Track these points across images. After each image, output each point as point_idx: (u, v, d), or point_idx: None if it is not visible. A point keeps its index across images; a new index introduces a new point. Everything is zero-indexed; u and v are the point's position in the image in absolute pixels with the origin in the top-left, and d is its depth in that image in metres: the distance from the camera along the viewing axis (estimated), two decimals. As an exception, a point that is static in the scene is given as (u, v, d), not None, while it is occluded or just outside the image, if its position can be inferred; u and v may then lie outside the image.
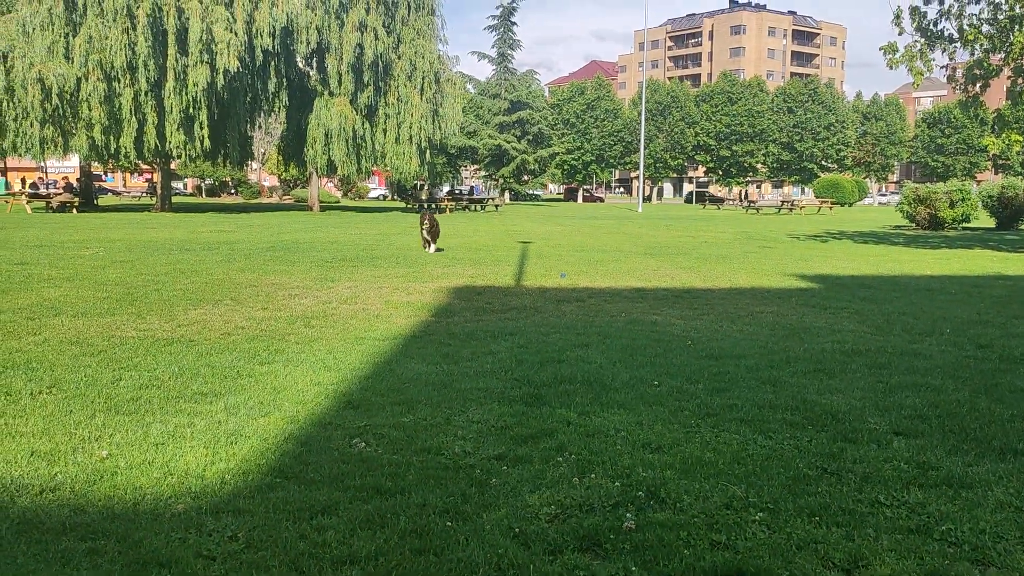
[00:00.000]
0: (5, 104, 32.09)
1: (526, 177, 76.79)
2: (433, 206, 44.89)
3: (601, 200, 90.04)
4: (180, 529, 3.47)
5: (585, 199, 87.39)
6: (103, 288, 10.85)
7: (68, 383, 5.83)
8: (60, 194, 37.57)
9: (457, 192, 62.77)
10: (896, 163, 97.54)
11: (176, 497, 3.82)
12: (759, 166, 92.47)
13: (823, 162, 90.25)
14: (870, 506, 3.82)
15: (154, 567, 3.12)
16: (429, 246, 17.30)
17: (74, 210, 35.11)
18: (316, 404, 5.43)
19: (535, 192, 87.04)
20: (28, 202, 36.06)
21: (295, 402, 5.46)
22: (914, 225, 32.02)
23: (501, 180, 73.77)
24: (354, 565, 3.17)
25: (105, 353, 6.84)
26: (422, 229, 17.40)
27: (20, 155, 35.68)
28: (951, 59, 22.70)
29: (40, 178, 48.49)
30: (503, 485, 4.03)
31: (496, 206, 51.08)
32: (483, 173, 78.15)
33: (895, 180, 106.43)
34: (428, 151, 41.74)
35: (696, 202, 54.22)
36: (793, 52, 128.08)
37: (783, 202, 54.28)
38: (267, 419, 5.06)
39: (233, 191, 75.55)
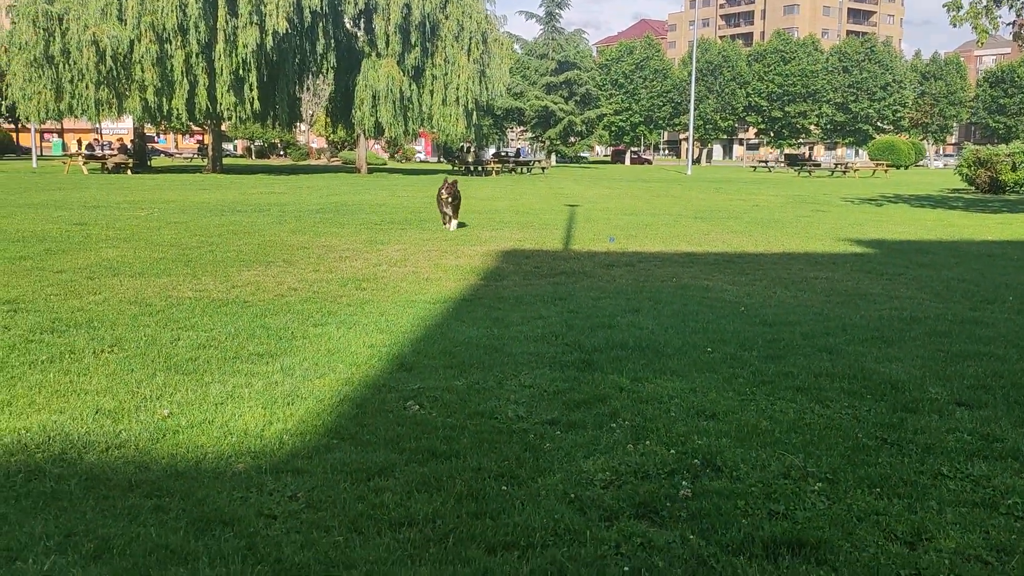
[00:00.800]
0: (61, 66, 32.66)
1: (573, 139, 76.15)
2: (479, 167, 44.74)
3: (649, 162, 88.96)
4: (241, 488, 3.53)
5: (632, 161, 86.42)
6: (159, 249, 11.05)
7: (129, 342, 5.96)
8: (115, 155, 38.27)
9: (503, 154, 62.52)
10: (955, 124, 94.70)
11: (236, 456, 3.89)
12: (812, 128, 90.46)
13: (879, 123, 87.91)
14: (932, 478, 3.74)
15: (217, 525, 3.18)
16: (450, 222, 14.10)
17: (128, 171, 35.75)
18: (370, 366, 5.48)
19: (582, 154, 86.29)
20: (84, 163, 36.78)
21: (349, 364, 5.51)
22: (974, 189, 31.12)
23: (547, 142, 73.27)
24: (412, 527, 3.20)
25: (163, 313, 6.97)
26: (442, 203, 14.06)
27: (76, 117, 36.36)
28: (1018, 15, 21.84)
29: (95, 139, 49.38)
30: (557, 450, 4.03)
31: (542, 168, 50.78)
32: (529, 135, 77.71)
33: (954, 142, 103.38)
34: (475, 113, 41.55)
35: (792, 166, 52.88)
36: (849, 9, 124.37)
37: (836, 165, 53.07)
38: (322, 381, 5.12)
39: (282, 153, 76.21)
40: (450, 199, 13.80)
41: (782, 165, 62.98)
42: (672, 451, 4.03)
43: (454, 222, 14.12)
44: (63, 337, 6.05)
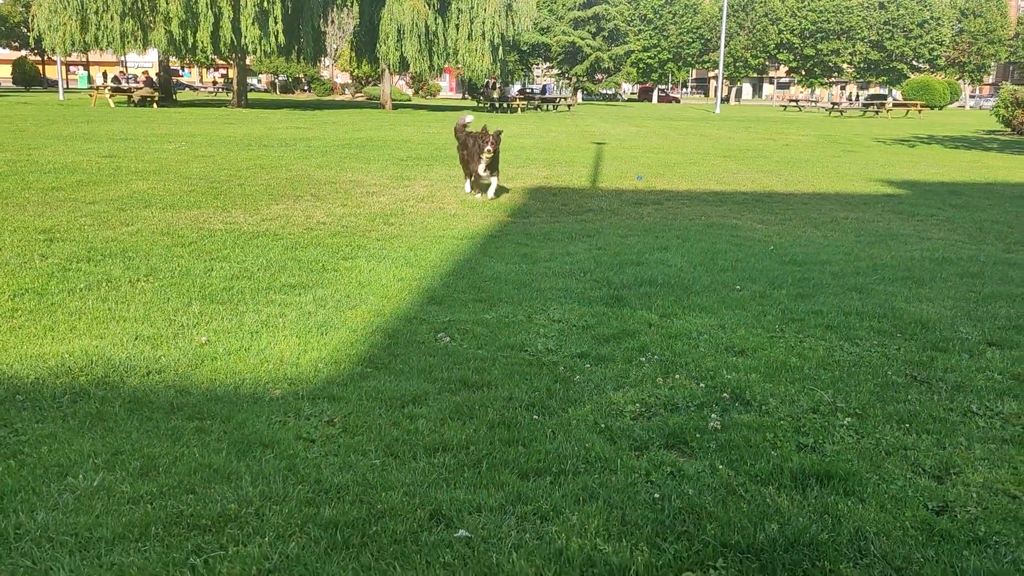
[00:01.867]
0: (86, -3, 32.43)
1: (599, 76, 74.85)
2: (504, 104, 44.25)
3: (677, 101, 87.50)
4: (279, 413, 3.62)
5: (660, 99, 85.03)
6: (188, 182, 11.12)
7: (163, 272, 6.05)
8: (141, 88, 38.18)
9: (528, 91, 61.73)
10: (993, 63, 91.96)
11: (273, 383, 3.98)
12: (845, 66, 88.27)
13: (914, 62, 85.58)
14: (961, 415, 3.76)
15: (258, 447, 3.27)
16: (487, 190, 10.42)
17: (154, 104, 35.73)
18: (400, 299, 5.54)
19: (608, 92, 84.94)
20: (111, 96, 36.78)
21: (380, 296, 5.57)
22: (1010, 130, 30.38)
23: (574, 79, 72.13)
24: (446, 452, 3.28)
25: (195, 244, 7.05)
26: (474, 159, 10.26)
27: (101, 49, 36.17)
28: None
29: (121, 72, 49.18)
30: (587, 382, 4.08)
31: (568, 106, 50.12)
32: (555, 71, 76.46)
33: (991, 82, 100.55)
34: (500, 48, 40.92)
35: (865, 105, 51.41)
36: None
37: (869, 103, 51.89)
38: (354, 312, 5.18)
39: (306, 88, 75.69)
40: (492, 155, 10.01)
41: (814, 105, 61.67)
42: (701, 385, 4.07)
43: (494, 182, 10.33)
44: (99, 266, 6.15)
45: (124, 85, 40.45)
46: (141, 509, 2.78)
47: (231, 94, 44.09)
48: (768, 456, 3.28)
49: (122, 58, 53.04)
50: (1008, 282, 6.41)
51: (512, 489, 2.98)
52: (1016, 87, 32.80)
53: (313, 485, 2.98)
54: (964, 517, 2.84)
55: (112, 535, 2.62)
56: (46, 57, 62.37)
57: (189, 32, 33.90)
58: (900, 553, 2.61)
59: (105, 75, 46.86)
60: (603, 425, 3.57)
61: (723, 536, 2.67)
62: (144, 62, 65.70)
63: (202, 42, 34.27)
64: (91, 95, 37.88)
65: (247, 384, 3.96)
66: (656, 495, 2.97)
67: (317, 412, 3.65)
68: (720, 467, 3.18)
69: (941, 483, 3.11)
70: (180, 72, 70.44)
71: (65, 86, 47.74)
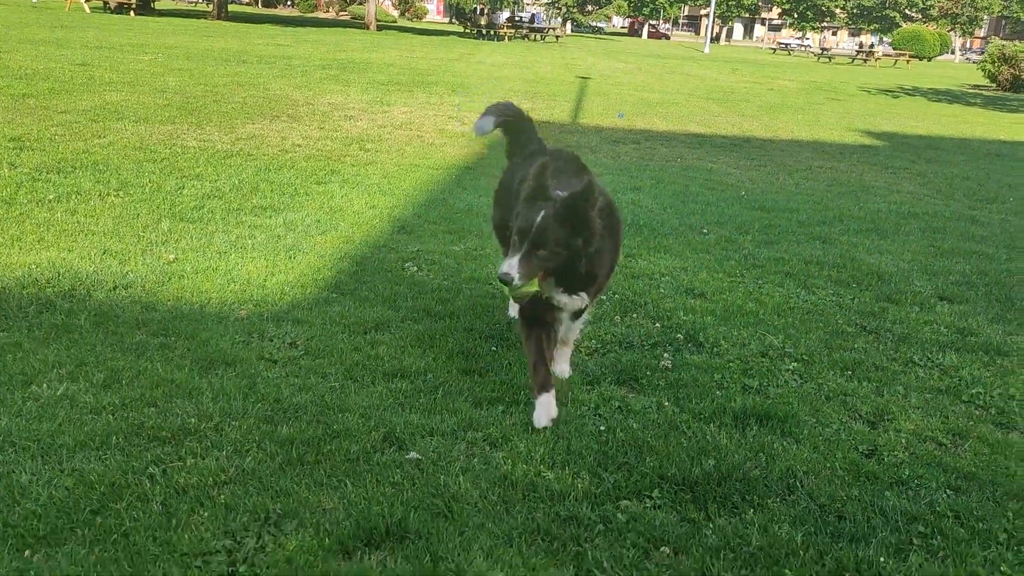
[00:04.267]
0: None
1: (590, 7, 73.61)
2: (491, 31, 43.46)
3: (667, 37, 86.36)
4: (243, 333, 3.70)
5: (650, 35, 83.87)
6: (163, 95, 10.94)
7: (134, 187, 6.03)
8: (117, -5, 37.02)
9: (517, 20, 60.61)
10: (985, 17, 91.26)
11: (239, 303, 4.04)
12: (838, 11, 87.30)
13: (907, 11, 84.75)
14: (904, 365, 3.92)
15: (220, 365, 3.36)
16: (561, 343, 3.47)
17: (131, 12, 34.74)
18: (371, 227, 5.58)
19: (598, 24, 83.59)
20: (87, 1, 35.68)
21: (351, 223, 5.61)
22: (995, 86, 30.42)
23: (563, 9, 70.86)
24: (404, 378, 3.38)
25: (168, 161, 7.01)
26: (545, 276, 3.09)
27: (77, -49, 34.98)
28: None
29: (97, -23, 47.55)
30: (547, 317, 4.18)
31: (556, 37, 49.37)
32: (545, 1, 75.02)
33: (982, 35, 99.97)
34: (490, -27, 40.00)
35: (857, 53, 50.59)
36: None
37: (858, 52, 51.57)
38: (324, 237, 5.23)
39: (290, 3, 73.80)
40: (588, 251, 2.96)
41: (803, 49, 61.14)
42: (657, 325, 4.18)
43: (577, 328, 3.49)
44: (69, 178, 6.12)
45: (100, -10, 39.18)
46: (103, 419, 2.86)
47: (211, 6, 42.91)
48: (713, 396, 3.42)
49: (99, -39, 51.15)
50: (968, 239, 6.55)
51: (465, 416, 3.10)
52: (1005, 42, 32.72)
53: (272, 404, 3.07)
54: (891, 461, 3.00)
55: (74, 442, 2.71)
56: (19, -44, 60.10)
57: (169, -62, 32.80)
58: (826, 491, 2.76)
59: (81, -22, 45.29)
60: (559, 359, 3.68)
61: (661, 469, 2.81)
62: (122, -33, 63.42)
63: (182, -51, 33.19)
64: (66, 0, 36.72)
65: (213, 303, 4.02)
66: (602, 428, 3.09)
67: (281, 334, 3.72)
68: (666, 404, 3.32)
69: (874, 428, 3.27)
70: (159, -21, 68.20)
71: (39, -12, 46.14)
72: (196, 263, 4.54)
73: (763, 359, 3.86)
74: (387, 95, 13.31)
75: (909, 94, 24.17)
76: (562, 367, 3.45)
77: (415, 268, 4.79)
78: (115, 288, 4.09)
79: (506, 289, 2.92)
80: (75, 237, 4.79)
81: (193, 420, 2.91)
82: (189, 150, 7.53)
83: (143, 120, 8.90)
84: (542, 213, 2.82)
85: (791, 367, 3.79)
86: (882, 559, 2.41)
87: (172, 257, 4.59)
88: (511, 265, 2.82)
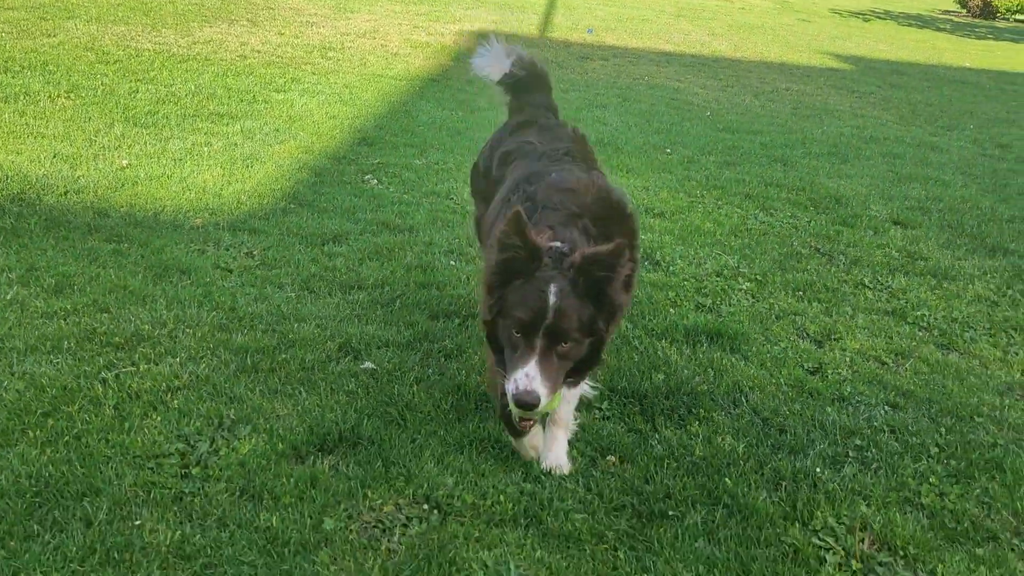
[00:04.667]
0: None
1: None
2: None
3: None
4: (199, 241, 3.66)
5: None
6: (116, -5, 10.49)
7: (86, 90, 5.84)
8: None
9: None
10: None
11: (194, 212, 3.99)
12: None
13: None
14: (853, 287, 4.00)
15: (175, 273, 3.33)
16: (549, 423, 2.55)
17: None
18: (331, 137, 5.49)
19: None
20: None
21: (310, 133, 5.51)
22: (965, 12, 30.25)
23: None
24: (361, 290, 3.38)
25: (121, 63, 6.78)
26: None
27: None
28: None
29: None
30: (507, 232, 4.18)
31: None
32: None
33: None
34: None
35: None
36: None
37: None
38: (282, 147, 5.14)
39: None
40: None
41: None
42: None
43: (575, 395, 2.54)
44: (17, 78, 5.90)
45: None
46: (54, 324, 2.84)
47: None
48: (666, 313, 3.47)
49: None
50: (926, 164, 6.62)
51: (421, 328, 3.12)
52: (979, -32, 32.40)
53: (228, 312, 3.07)
54: (834, 378, 3.10)
55: (24, 346, 2.69)
56: None
57: None
58: (770, 406, 2.85)
59: None
60: (516, 274, 3.70)
61: (611, 382, 2.87)
62: None
63: None
64: None
65: (167, 211, 3.96)
66: (556, 342, 3.14)
67: (237, 243, 3.69)
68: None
69: (820, 347, 3.36)
70: None
71: None
72: (150, 169, 4.45)
73: (717, 278, 3.92)
74: (351, 1, 12.90)
75: (880, 18, 23.98)
76: (557, 458, 2.42)
77: (375, 181, 4.75)
78: (66, 193, 4.00)
79: (519, 411, 2.06)
80: (24, 140, 4.66)
81: (147, 327, 2.90)
82: (144, 52, 7.28)
83: (95, 19, 8.56)
84: (554, 288, 2.04)
85: (744, 287, 3.86)
86: (818, 469, 2.51)
87: (125, 163, 4.49)
88: (529, 377, 1.99)
